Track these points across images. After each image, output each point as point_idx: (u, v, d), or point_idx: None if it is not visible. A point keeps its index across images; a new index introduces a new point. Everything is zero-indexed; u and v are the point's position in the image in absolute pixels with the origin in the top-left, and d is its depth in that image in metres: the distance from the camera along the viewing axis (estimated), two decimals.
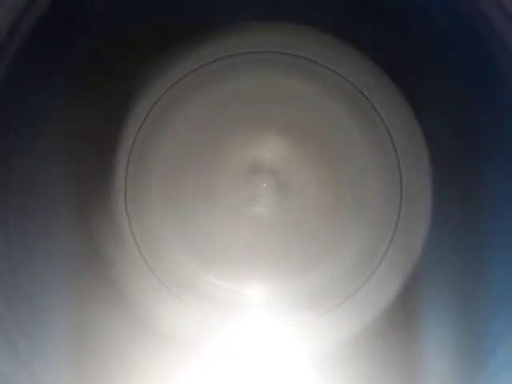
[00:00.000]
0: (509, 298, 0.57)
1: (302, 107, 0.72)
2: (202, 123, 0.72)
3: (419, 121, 0.69)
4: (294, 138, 0.72)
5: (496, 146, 0.60)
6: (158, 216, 0.72)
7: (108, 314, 0.66)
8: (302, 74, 0.72)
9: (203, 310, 0.72)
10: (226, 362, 0.69)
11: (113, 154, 0.71)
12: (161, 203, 0.72)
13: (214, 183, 0.71)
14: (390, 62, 0.68)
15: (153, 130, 0.72)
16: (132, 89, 0.70)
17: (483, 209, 0.62)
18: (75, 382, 0.59)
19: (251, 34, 0.70)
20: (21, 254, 0.58)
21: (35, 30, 0.54)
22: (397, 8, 0.63)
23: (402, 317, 0.67)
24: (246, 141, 0.72)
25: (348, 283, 0.71)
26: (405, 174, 0.71)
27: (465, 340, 0.60)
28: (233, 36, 0.70)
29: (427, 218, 0.69)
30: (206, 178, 0.71)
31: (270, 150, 0.72)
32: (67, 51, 0.60)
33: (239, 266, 0.72)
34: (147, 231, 0.72)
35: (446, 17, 0.59)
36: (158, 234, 0.72)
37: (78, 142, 0.66)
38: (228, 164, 0.71)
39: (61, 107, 0.63)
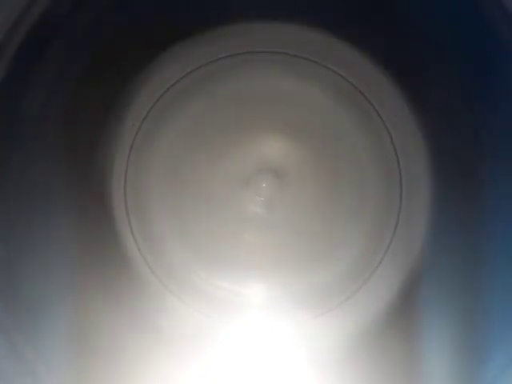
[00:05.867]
0: (509, 298, 0.57)
1: (302, 107, 0.72)
2: (202, 123, 0.72)
3: (419, 121, 0.69)
4: (293, 138, 0.72)
5: (496, 146, 0.60)
6: (158, 216, 0.72)
7: (108, 314, 0.66)
8: (302, 74, 0.72)
9: (203, 309, 0.72)
10: (226, 361, 0.69)
11: (113, 154, 0.71)
12: (161, 203, 0.72)
13: (214, 183, 0.71)
14: (390, 61, 0.68)
15: (152, 129, 0.72)
16: (132, 89, 0.70)
17: (483, 209, 0.62)
18: (75, 381, 0.59)
19: (251, 34, 0.70)
20: (21, 255, 0.58)
21: (35, 30, 0.54)
22: (397, 8, 0.63)
23: (402, 317, 0.67)
24: (246, 141, 0.72)
25: (348, 283, 0.71)
26: (405, 173, 0.71)
27: (465, 340, 0.60)
28: (233, 36, 0.70)
29: (427, 218, 0.69)
30: (206, 177, 0.71)
31: (270, 149, 0.72)
32: (67, 51, 0.60)
33: (239, 266, 0.72)
34: (147, 231, 0.72)
35: (446, 17, 0.59)
36: (158, 234, 0.72)
37: (77, 142, 0.66)
38: (228, 164, 0.71)
39: (61, 107, 0.63)
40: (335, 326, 0.71)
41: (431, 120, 0.68)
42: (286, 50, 0.71)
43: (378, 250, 0.71)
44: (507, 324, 0.56)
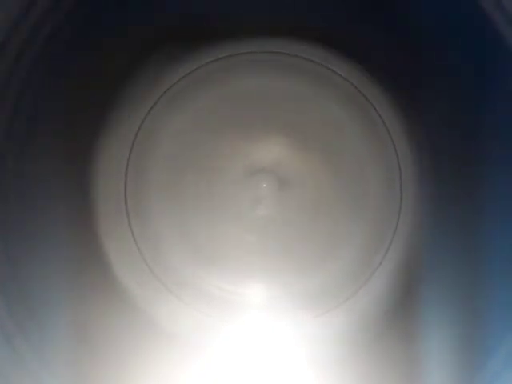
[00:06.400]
0: (509, 298, 0.57)
1: (302, 107, 0.72)
2: (202, 123, 0.72)
3: (419, 121, 0.69)
4: (293, 138, 0.72)
5: (496, 146, 0.60)
6: (158, 216, 0.72)
7: (108, 314, 0.66)
8: (301, 74, 0.72)
9: (203, 309, 0.72)
10: (226, 362, 0.69)
11: (113, 154, 0.71)
12: (161, 203, 0.72)
13: (214, 183, 0.71)
14: (390, 62, 0.68)
15: (153, 129, 0.72)
16: (132, 89, 0.70)
17: (483, 209, 0.62)
18: (75, 382, 0.59)
19: (251, 34, 0.70)
20: (21, 254, 0.58)
21: (35, 30, 0.54)
22: (396, 8, 0.63)
23: (402, 317, 0.67)
24: (246, 141, 0.72)
25: (348, 283, 0.71)
26: (405, 173, 0.71)
27: (465, 340, 0.60)
28: (233, 36, 0.70)
29: (427, 218, 0.69)
30: (206, 177, 0.71)
31: (270, 150, 0.72)
32: (67, 51, 0.60)
33: (239, 266, 0.72)
34: (147, 231, 0.72)
35: (446, 17, 0.59)
36: (158, 234, 0.72)
37: (77, 142, 0.66)
38: (228, 164, 0.71)
39: (60, 107, 0.63)
40: (335, 326, 0.71)
41: (431, 119, 0.68)
42: (286, 50, 0.71)
43: (378, 250, 0.71)
44: (507, 323, 0.56)
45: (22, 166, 0.59)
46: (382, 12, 0.65)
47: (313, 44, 0.70)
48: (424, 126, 0.69)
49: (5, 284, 0.56)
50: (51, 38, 0.57)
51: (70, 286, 0.63)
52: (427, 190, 0.69)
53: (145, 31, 0.66)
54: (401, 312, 0.68)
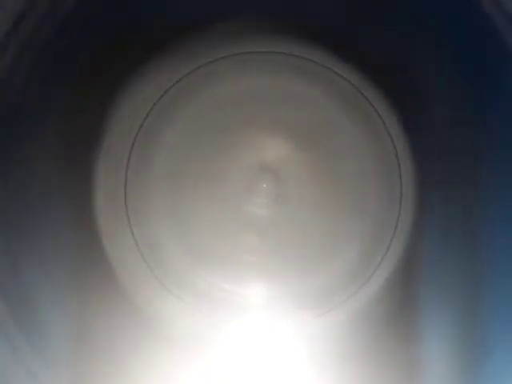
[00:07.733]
0: (509, 298, 0.57)
1: (302, 107, 0.72)
2: (202, 124, 0.72)
3: (419, 121, 0.69)
4: (293, 138, 0.72)
5: (496, 147, 0.60)
6: (159, 216, 0.72)
7: (108, 314, 0.66)
8: (301, 74, 0.72)
9: (203, 310, 0.72)
10: (227, 361, 0.69)
11: (113, 153, 0.71)
12: (161, 203, 0.72)
13: (214, 183, 0.71)
14: (390, 62, 0.68)
15: (153, 130, 0.72)
16: (132, 89, 0.70)
17: (483, 209, 0.62)
18: (75, 382, 0.59)
19: (251, 33, 0.70)
20: (21, 254, 0.58)
21: (35, 30, 0.54)
22: (397, 8, 0.63)
23: (402, 317, 0.67)
24: (246, 141, 0.72)
25: (348, 283, 0.71)
26: (404, 173, 0.71)
27: (465, 340, 0.60)
28: (233, 36, 0.70)
29: (427, 218, 0.69)
30: (206, 178, 0.71)
31: (270, 150, 0.72)
32: (67, 51, 0.60)
33: (239, 266, 0.72)
34: (147, 231, 0.72)
35: (446, 17, 0.59)
36: (158, 234, 0.72)
37: (77, 141, 0.66)
38: (228, 164, 0.71)
39: (61, 107, 0.63)
40: (335, 326, 0.71)
41: (431, 119, 0.68)
42: (286, 50, 0.72)
43: (377, 250, 0.71)
44: (507, 324, 0.56)
45: (22, 166, 0.59)
46: (382, 12, 0.65)
47: (313, 44, 0.70)
48: (424, 126, 0.69)
49: (5, 284, 0.56)
50: (51, 38, 0.57)
51: (70, 286, 0.63)
52: (427, 189, 0.69)
53: (145, 32, 0.66)
54: (401, 312, 0.68)
